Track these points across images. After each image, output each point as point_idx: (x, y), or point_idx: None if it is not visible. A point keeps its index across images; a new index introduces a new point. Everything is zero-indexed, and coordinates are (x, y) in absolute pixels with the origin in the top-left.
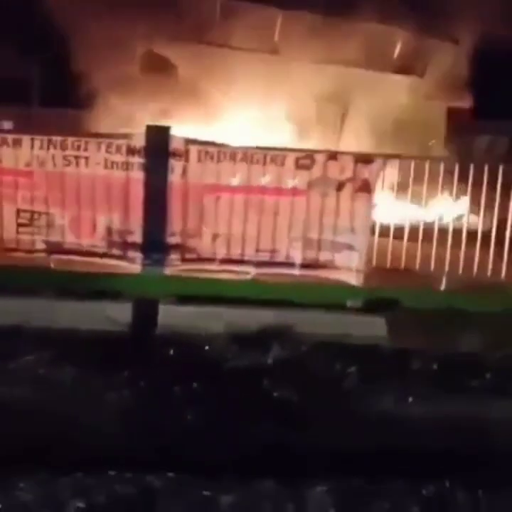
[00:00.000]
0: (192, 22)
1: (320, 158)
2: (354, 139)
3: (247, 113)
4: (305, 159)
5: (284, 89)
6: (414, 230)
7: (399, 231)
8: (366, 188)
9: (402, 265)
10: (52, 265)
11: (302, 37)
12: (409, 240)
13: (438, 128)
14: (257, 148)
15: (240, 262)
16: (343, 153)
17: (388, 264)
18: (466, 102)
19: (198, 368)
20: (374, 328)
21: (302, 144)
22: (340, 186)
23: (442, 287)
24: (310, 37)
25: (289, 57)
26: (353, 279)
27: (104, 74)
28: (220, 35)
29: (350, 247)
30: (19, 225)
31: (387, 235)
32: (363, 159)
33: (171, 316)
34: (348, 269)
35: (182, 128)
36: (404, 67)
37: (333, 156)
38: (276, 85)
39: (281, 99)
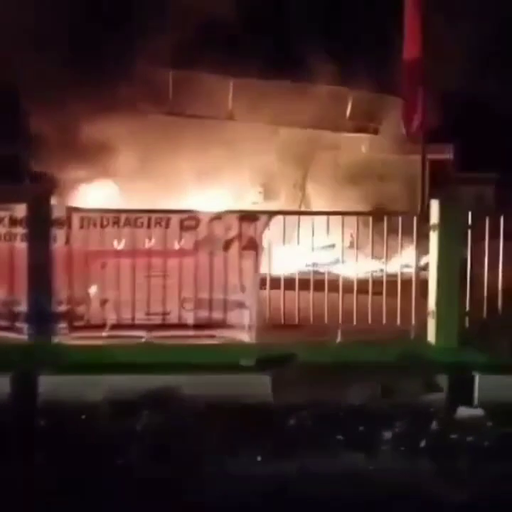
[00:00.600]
0: (146, 93)
1: (204, 218)
2: (317, 196)
3: (213, 180)
4: (189, 220)
5: (244, 154)
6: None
7: (292, 284)
8: (252, 245)
9: (297, 320)
10: None
11: (255, 102)
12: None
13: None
14: (141, 211)
15: (132, 326)
16: (227, 212)
17: (282, 320)
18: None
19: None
20: (260, 386)
21: (271, 205)
22: (226, 245)
23: (337, 340)
24: (263, 101)
25: (245, 122)
26: (246, 337)
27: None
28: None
29: (241, 305)
30: None
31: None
32: (248, 217)
33: (54, 385)
34: (241, 326)
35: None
36: (358, 126)
37: (217, 215)
38: (237, 150)
39: (244, 164)
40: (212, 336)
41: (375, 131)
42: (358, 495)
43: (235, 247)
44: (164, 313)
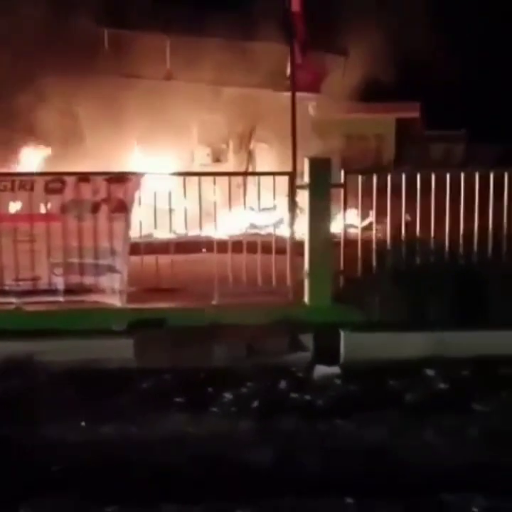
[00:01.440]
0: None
1: (70, 180)
2: (264, 157)
3: (160, 141)
4: (55, 183)
5: (187, 115)
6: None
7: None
8: (122, 208)
9: (171, 284)
10: None
11: (193, 60)
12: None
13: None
14: (4, 174)
15: (1, 292)
16: (95, 174)
17: (158, 284)
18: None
19: None
20: (124, 351)
21: (220, 166)
22: (94, 208)
23: (214, 302)
24: (201, 60)
25: (184, 82)
26: (117, 301)
27: None
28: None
29: (112, 269)
30: None
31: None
32: (117, 179)
33: None
34: (112, 291)
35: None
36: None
37: (84, 177)
38: (178, 111)
39: (187, 125)
40: (83, 301)
41: (316, 90)
42: (155, 458)
43: (103, 210)
44: (34, 279)
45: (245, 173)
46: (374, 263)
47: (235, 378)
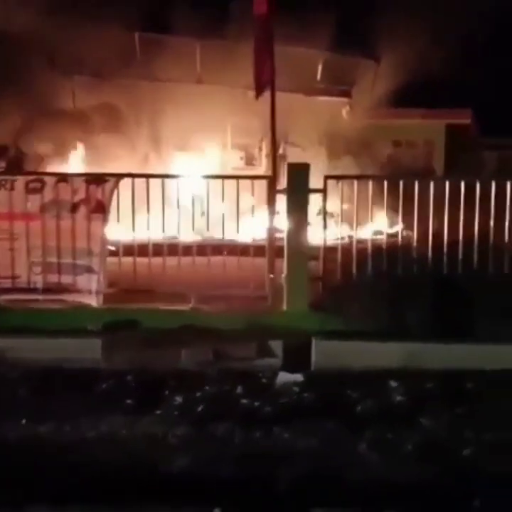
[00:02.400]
0: (115, 58)
1: (50, 181)
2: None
3: (194, 145)
4: (35, 183)
5: (217, 118)
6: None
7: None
8: (100, 208)
9: (147, 285)
10: None
11: (224, 64)
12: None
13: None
14: None
15: None
16: (74, 175)
17: (135, 285)
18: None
19: None
20: (91, 351)
21: (253, 169)
22: (73, 208)
23: (191, 305)
24: (232, 64)
25: (215, 86)
26: (94, 301)
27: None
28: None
29: (89, 270)
30: None
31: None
32: (95, 180)
33: None
34: (89, 291)
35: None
36: (329, 89)
37: (64, 178)
38: (209, 114)
39: (219, 128)
40: (61, 301)
41: (347, 95)
42: (73, 458)
43: (82, 211)
44: (14, 277)
45: (224, 177)
46: (354, 271)
47: (195, 382)
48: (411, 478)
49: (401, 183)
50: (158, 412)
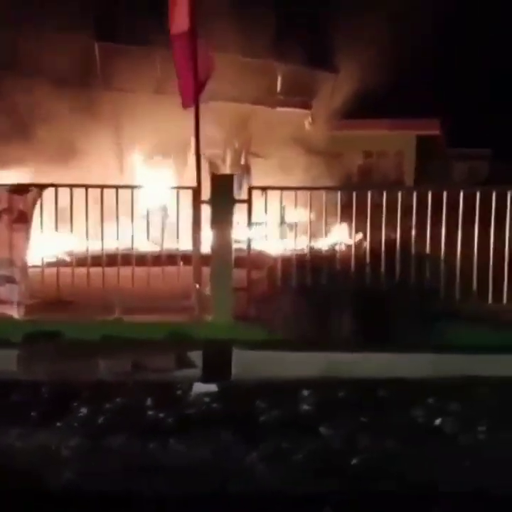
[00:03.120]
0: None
1: None
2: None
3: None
4: None
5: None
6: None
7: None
8: (23, 218)
9: (70, 296)
10: None
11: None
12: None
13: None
14: None
15: None
16: None
17: (60, 296)
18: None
19: None
20: (9, 362)
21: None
22: None
23: (114, 316)
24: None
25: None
26: (15, 313)
27: None
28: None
29: (11, 280)
30: None
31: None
32: (17, 190)
33: None
34: (10, 302)
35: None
36: (290, 101)
37: None
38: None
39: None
40: None
41: (307, 106)
42: None
43: (4, 221)
44: None
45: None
46: (279, 281)
47: (107, 394)
48: (293, 488)
49: (354, 194)
50: (58, 424)
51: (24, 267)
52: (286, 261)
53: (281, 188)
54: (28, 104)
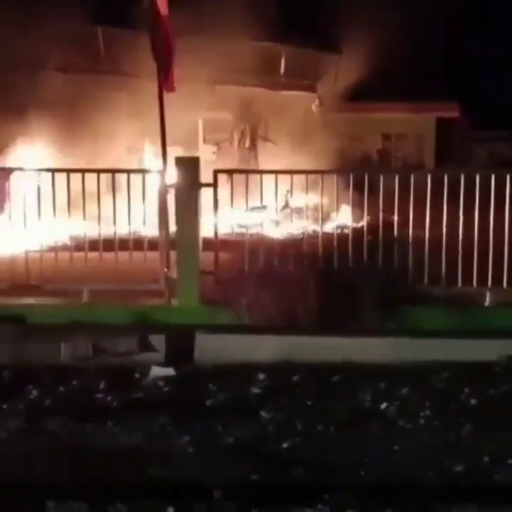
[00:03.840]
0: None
1: None
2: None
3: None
4: None
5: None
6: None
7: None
8: None
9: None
10: None
11: (189, 59)
12: None
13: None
14: None
15: None
16: None
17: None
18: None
19: None
20: None
21: (224, 162)
22: None
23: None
24: (197, 59)
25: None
26: None
27: None
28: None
29: None
30: None
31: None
32: None
33: None
34: None
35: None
36: (293, 83)
37: None
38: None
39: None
40: None
41: (312, 89)
42: None
43: None
44: None
45: (113, 171)
46: (246, 265)
47: (64, 377)
48: (216, 472)
49: (351, 176)
50: (4, 406)
51: None
52: (255, 245)
53: (247, 171)
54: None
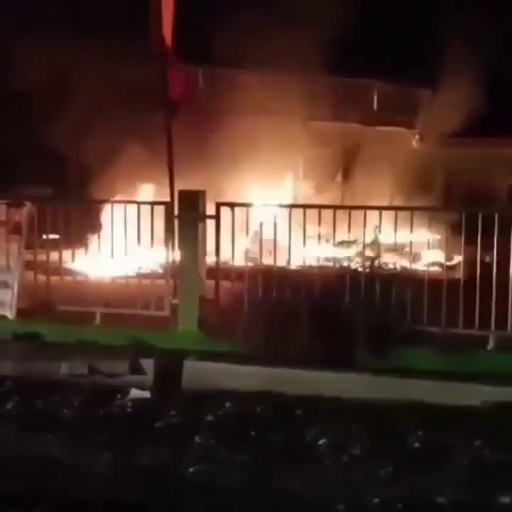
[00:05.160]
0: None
1: None
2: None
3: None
4: None
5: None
6: None
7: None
8: (18, 229)
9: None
10: None
11: (283, 96)
12: None
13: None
14: None
15: None
16: None
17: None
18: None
19: None
20: None
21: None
22: None
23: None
24: (291, 95)
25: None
26: (8, 313)
27: None
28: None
29: (6, 284)
30: None
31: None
32: (15, 204)
33: None
34: (4, 304)
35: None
36: (388, 119)
37: None
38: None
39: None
40: None
41: (409, 125)
42: None
43: (2, 232)
44: None
45: (125, 202)
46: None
47: (51, 392)
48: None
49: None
50: None
51: (17, 273)
52: (254, 274)
53: (248, 205)
54: None
